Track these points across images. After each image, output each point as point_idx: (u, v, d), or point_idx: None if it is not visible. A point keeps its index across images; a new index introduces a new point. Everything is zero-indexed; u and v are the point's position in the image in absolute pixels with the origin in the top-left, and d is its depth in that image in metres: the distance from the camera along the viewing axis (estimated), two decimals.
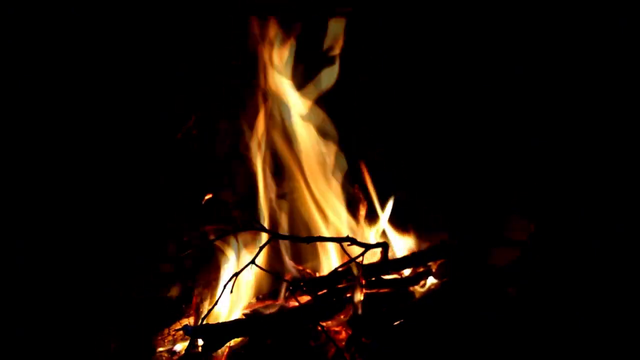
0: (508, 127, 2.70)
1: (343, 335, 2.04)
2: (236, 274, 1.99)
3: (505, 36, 2.67)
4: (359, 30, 2.59)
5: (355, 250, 2.16)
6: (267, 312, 2.17)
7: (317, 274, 2.38)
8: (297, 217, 2.49)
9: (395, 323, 2.02)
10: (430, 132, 2.78)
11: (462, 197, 2.69)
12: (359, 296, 2.09)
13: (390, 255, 2.29)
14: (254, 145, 2.54)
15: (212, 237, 2.38)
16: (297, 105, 2.56)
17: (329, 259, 2.39)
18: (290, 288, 2.15)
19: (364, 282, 2.13)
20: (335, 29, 2.58)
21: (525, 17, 2.66)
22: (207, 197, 2.45)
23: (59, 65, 2.36)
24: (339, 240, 2.18)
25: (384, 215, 2.43)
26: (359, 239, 2.21)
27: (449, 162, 2.76)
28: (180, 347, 2.19)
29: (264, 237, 2.17)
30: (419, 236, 2.41)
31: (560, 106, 2.65)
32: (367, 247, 2.20)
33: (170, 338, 2.23)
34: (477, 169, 2.71)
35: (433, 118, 2.78)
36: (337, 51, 2.58)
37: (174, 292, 2.31)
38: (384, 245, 2.27)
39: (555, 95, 2.67)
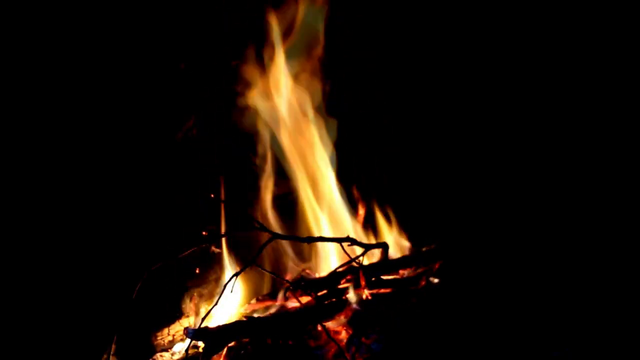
0: (505, 130, 2.71)
1: (343, 335, 2.04)
2: (236, 274, 1.98)
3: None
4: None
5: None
6: (267, 312, 2.18)
7: (317, 274, 2.38)
8: (297, 217, 2.49)
9: (395, 323, 2.02)
10: (429, 135, 2.79)
11: (461, 199, 2.69)
12: (359, 296, 2.09)
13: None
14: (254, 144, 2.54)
15: (211, 237, 2.38)
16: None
17: (329, 259, 2.39)
18: (291, 288, 2.15)
19: (364, 284, 2.13)
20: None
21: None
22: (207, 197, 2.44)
23: (60, 66, 2.35)
24: (339, 240, 2.18)
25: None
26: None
27: (447, 164, 2.77)
28: (180, 347, 2.19)
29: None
30: (419, 237, 2.42)
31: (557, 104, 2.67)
32: (367, 247, 2.20)
33: (170, 338, 2.23)
34: (475, 172, 2.72)
35: (431, 122, 2.79)
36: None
37: None
38: (384, 246, 2.27)
39: (554, 94, 2.68)
